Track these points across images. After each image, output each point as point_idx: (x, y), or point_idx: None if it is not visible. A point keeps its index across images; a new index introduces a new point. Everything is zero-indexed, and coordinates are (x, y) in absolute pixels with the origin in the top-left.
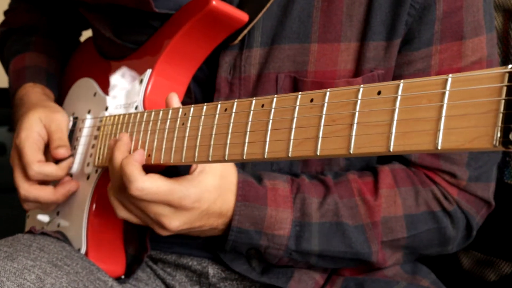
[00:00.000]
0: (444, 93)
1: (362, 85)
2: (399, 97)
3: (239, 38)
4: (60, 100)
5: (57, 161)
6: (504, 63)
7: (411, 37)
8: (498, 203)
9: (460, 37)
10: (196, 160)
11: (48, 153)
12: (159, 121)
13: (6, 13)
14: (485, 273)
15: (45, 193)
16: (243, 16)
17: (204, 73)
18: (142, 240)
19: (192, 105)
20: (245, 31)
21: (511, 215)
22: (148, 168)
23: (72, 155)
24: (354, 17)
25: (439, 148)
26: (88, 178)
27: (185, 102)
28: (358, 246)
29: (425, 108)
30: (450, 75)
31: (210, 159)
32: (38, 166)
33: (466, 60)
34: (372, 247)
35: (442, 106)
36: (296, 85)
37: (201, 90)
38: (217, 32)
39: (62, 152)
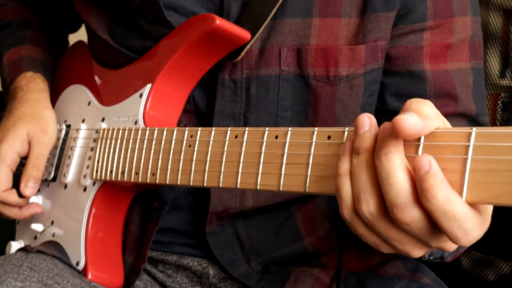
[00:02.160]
0: (468, 146)
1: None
2: (421, 145)
3: (241, 55)
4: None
5: None
6: (504, 63)
7: (406, 10)
8: None
9: (451, 14)
10: (205, 185)
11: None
12: (163, 141)
13: None
14: (485, 273)
15: (10, 212)
16: (246, 35)
17: None
18: (141, 250)
19: (199, 128)
20: (247, 48)
21: (511, 215)
22: (142, 185)
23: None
24: None
25: (464, 200)
26: (84, 190)
27: (184, 109)
28: None
29: (449, 159)
30: (474, 128)
31: (221, 185)
32: (2, 195)
33: (456, 37)
34: None
35: (466, 159)
36: (299, 57)
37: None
38: (219, 49)
39: (28, 193)
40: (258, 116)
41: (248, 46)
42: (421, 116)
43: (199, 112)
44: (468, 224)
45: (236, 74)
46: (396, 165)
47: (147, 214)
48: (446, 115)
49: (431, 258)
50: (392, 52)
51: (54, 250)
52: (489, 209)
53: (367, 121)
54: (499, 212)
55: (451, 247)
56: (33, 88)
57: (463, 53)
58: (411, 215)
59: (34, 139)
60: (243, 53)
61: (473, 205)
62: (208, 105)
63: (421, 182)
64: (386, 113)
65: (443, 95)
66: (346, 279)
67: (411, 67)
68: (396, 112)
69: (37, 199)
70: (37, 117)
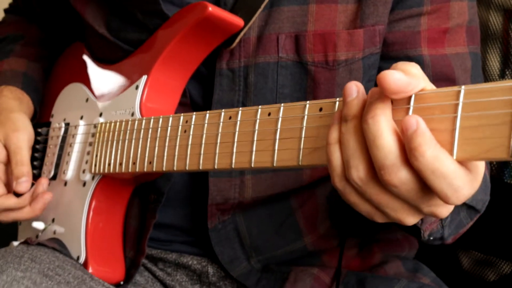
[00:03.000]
0: (457, 105)
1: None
2: (411, 107)
3: (236, 42)
4: (48, 105)
5: None
6: (504, 63)
7: None
8: (498, 203)
9: None
10: (201, 168)
11: (9, 169)
12: (159, 129)
13: None
14: (485, 273)
15: (23, 214)
16: (239, 22)
17: None
18: (141, 243)
19: (194, 113)
20: (241, 35)
21: (511, 215)
22: (140, 177)
23: (33, 183)
24: None
25: (454, 158)
26: (84, 185)
27: (180, 102)
28: (488, 192)
29: (439, 119)
30: (463, 86)
31: (216, 167)
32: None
33: (453, 22)
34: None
35: (456, 117)
36: (297, 43)
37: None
38: (213, 37)
39: (22, 188)
40: (257, 104)
41: (242, 33)
42: (406, 74)
43: (195, 104)
44: (458, 182)
45: (234, 63)
46: (382, 127)
47: (146, 208)
48: None
49: (431, 238)
50: (389, 37)
51: (55, 243)
52: (480, 166)
53: (355, 89)
54: (499, 212)
55: (442, 212)
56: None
57: (461, 38)
58: (398, 176)
59: (7, 139)
60: (237, 40)
61: (463, 163)
62: (204, 97)
63: (409, 141)
64: None
65: (442, 79)
66: (346, 279)
67: (409, 51)
68: None
69: None
70: (4, 122)
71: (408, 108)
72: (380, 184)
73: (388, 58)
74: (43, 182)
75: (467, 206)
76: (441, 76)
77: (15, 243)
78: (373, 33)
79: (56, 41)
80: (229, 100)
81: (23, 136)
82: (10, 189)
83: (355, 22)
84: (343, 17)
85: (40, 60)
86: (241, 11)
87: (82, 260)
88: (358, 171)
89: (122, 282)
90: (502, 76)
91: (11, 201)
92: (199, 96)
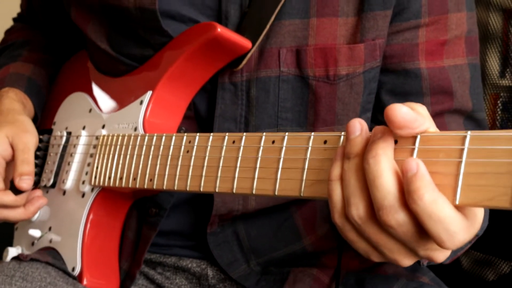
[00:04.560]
0: (462, 150)
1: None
2: (416, 149)
3: (243, 63)
4: (51, 112)
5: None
6: (504, 63)
7: (401, 8)
8: None
9: (446, 10)
10: (201, 190)
11: (10, 166)
12: (162, 147)
13: (5, 33)
14: (484, 273)
15: (16, 214)
16: (247, 44)
17: None
18: (137, 255)
19: (198, 134)
20: (248, 56)
21: (510, 215)
22: (139, 191)
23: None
24: None
25: (457, 203)
26: (83, 196)
27: (185, 115)
28: (487, 218)
29: (443, 162)
30: (469, 132)
31: (217, 190)
32: None
33: (451, 34)
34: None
35: (460, 162)
36: (299, 57)
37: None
38: (220, 57)
39: (25, 185)
40: (259, 118)
41: (249, 55)
42: (413, 111)
43: (200, 117)
44: (454, 227)
45: (236, 77)
46: (383, 167)
47: (144, 220)
48: (442, 112)
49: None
50: (387, 50)
51: (48, 256)
52: (479, 214)
53: (358, 126)
54: (499, 212)
55: (439, 257)
56: (4, 101)
57: (459, 49)
58: (396, 218)
59: (15, 138)
60: (244, 62)
61: (461, 208)
62: (209, 110)
63: (409, 184)
64: (381, 110)
65: (439, 92)
66: (345, 279)
67: (407, 65)
68: None
69: None
70: (13, 122)
71: (413, 149)
72: (379, 223)
73: (386, 71)
74: (39, 191)
75: None
76: (438, 89)
77: (10, 249)
78: (373, 47)
79: (59, 48)
80: (232, 114)
81: (32, 139)
82: (7, 188)
83: (355, 35)
84: (343, 30)
85: (45, 66)
86: (247, 30)
87: (77, 271)
88: (358, 210)
89: None
90: (502, 76)
91: (9, 198)
92: (203, 109)
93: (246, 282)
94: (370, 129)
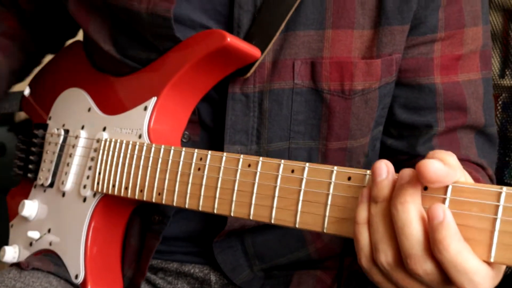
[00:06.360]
0: (498, 206)
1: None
2: (448, 199)
3: (251, 72)
4: (45, 105)
5: None
6: (504, 63)
7: (418, 22)
8: None
9: (462, 25)
10: (215, 212)
11: None
12: (170, 161)
13: None
14: None
15: None
16: (256, 53)
17: None
18: (140, 264)
19: (209, 152)
20: (256, 65)
21: None
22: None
23: None
24: (366, 4)
25: (492, 260)
26: (84, 200)
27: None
28: None
29: (477, 217)
30: (505, 188)
31: (232, 215)
32: None
33: (466, 48)
34: None
35: (495, 219)
36: (313, 70)
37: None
38: (228, 65)
39: None
40: (272, 131)
41: (257, 64)
42: (445, 164)
43: (205, 124)
44: (479, 278)
45: (248, 88)
46: (412, 216)
47: (147, 227)
48: (455, 128)
49: None
50: (402, 64)
51: (50, 263)
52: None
53: (384, 169)
54: None
55: None
56: None
57: (474, 64)
58: (423, 267)
59: None
60: (252, 70)
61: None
62: (215, 119)
63: (434, 232)
64: (394, 124)
65: (453, 108)
66: (347, 280)
67: (421, 79)
68: (405, 124)
69: (33, 204)
70: None
71: (445, 199)
72: (406, 270)
73: (400, 85)
74: None
75: None
76: (452, 105)
77: (7, 248)
78: (390, 62)
79: (40, 41)
80: (244, 126)
81: None
82: None
83: (371, 50)
84: (358, 43)
85: (14, 52)
86: (256, 37)
87: (80, 279)
88: (387, 256)
89: None
90: (502, 76)
91: None
92: (208, 117)
93: (250, 287)
94: (382, 142)
